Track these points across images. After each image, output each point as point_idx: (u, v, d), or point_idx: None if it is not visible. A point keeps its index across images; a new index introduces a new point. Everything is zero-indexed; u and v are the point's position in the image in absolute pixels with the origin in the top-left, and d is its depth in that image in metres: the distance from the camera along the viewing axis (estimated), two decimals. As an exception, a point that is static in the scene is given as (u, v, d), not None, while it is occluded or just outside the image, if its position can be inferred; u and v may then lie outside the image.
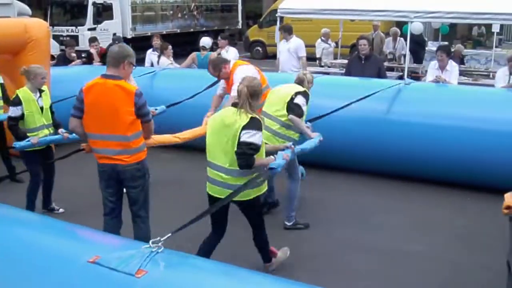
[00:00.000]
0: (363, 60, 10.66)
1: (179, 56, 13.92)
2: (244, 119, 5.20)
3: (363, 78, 10.22)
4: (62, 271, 3.41)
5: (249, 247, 5.90)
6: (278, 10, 16.25)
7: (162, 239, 3.50)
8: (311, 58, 18.89)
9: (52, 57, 12.33)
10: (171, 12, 27.61)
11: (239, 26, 32.92)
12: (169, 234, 3.73)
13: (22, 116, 7.23)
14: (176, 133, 7.24)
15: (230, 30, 29.31)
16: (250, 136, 5.14)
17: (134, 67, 5.62)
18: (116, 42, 13.34)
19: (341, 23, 19.73)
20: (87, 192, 7.91)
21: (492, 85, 10.57)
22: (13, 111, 7.23)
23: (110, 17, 24.10)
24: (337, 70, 16.30)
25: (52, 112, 7.56)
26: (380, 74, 10.70)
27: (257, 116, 5.29)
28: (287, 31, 12.65)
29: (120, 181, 5.67)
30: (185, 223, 3.94)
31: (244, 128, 5.16)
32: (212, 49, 12.80)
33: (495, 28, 20.17)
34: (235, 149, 5.17)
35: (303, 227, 7.14)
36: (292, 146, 6.12)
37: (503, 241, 6.75)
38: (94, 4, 23.49)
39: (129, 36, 24.48)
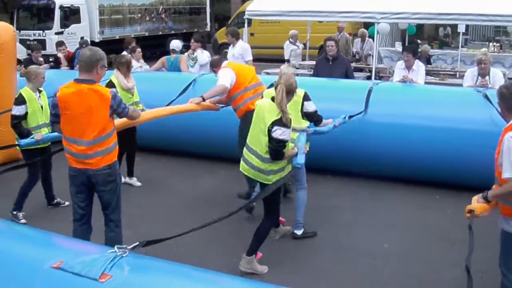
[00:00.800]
0: (331, 61, 10.67)
1: (148, 59, 13.88)
2: (276, 115, 5.73)
3: (331, 78, 10.26)
4: (25, 277, 3.36)
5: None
6: (246, 12, 16.31)
7: (128, 247, 3.47)
8: (280, 60, 18.99)
9: (19, 61, 12.19)
10: (139, 15, 27.44)
11: (208, 28, 32.81)
12: (137, 243, 3.63)
13: (25, 115, 7.43)
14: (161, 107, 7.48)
15: (198, 33, 29.27)
16: (281, 134, 5.72)
17: (105, 69, 5.68)
18: (84, 46, 13.26)
19: (309, 25, 19.85)
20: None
21: (459, 85, 10.69)
22: (18, 110, 7.40)
23: (78, 20, 23.89)
24: (306, 71, 16.37)
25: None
26: (348, 75, 10.74)
27: (287, 113, 5.74)
28: (234, 36, 12.08)
29: (92, 185, 5.66)
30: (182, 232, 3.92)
31: (274, 123, 5.72)
32: (181, 52, 12.74)
33: (461, 29, 20.41)
34: (267, 143, 5.78)
35: (311, 235, 7.09)
36: (308, 129, 6.57)
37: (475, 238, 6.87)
38: (61, 7, 23.27)
39: (97, 40, 24.28)
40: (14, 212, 7.63)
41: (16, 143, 7.52)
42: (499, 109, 4.93)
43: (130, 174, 8.98)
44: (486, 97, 8.17)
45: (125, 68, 8.53)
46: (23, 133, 7.33)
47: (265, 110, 5.90)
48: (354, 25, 25.12)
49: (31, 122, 7.46)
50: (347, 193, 8.38)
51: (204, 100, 7.73)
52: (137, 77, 9.28)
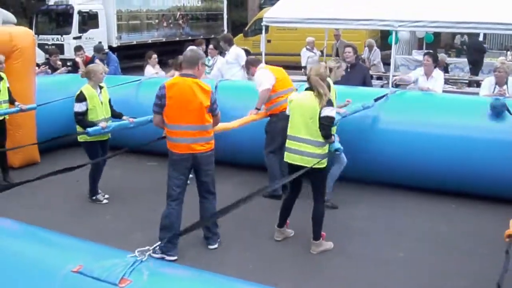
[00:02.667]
0: (349, 68, 10.64)
1: (164, 65, 13.92)
2: (323, 100, 6.35)
3: (348, 86, 10.23)
4: (45, 281, 3.36)
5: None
6: (264, 19, 16.32)
7: (151, 248, 3.48)
8: (297, 67, 19.00)
9: (38, 66, 12.28)
10: (157, 21, 27.57)
11: (222, 34, 32.89)
12: (159, 243, 3.86)
13: (86, 111, 7.96)
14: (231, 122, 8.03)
15: (216, 39, 29.33)
16: (330, 111, 6.37)
17: (205, 67, 6.91)
18: (96, 51, 13.37)
19: (326, 32, 19.81)
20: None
21: (476, 93, 10.64)
22: (79, 107, 7.95)
23: (96, 25, 24.04)
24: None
25: (111, 106, 8.42)
26: (365, 82, 10.72)
27: (330, 97, 6.43)
28: (226, 42, 12.01)
29: (196, 167, 6.55)
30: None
31: (324, 106, 6.32)
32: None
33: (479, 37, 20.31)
34: (318, 123, 6.36)
35: (331, 206, 7.99)
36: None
37: (482, 247, 6.84)
38: (79, 12, 23.44)
39: (114, 45, 24.44)
40: (93, 198, 8.37)
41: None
42: None
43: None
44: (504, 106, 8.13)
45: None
46: (88, 125, 7.87)
47: (306, 101, 6.51)
48: (371, 32, 25.10)
49: (91, 117, 7.96)
50: (361, 201, 8.36)
51: (259, 109, 8.51)
52: (152, 82, 9.37)
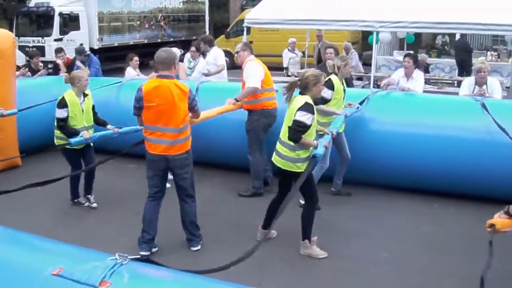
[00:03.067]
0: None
1: (146, 66, 13.86)
2: (301, 102, 6.29)
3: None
4: (25, 284, 3.35)
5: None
6: (245, 21, 16.34)
7: (129, 257, 3.47)
8: (278, 68, 19.03)
9: (18, 68, 12.20)
10: (138, 22, 27.49)
11: (203, 35, 32.82)
12: (141, 253, 3.78)
13: (67, 117, 7.83)
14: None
15: (198, 41, 29.23)
16: (302, 116, 6.25)
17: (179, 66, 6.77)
18: (78, 53, 13.31)
19: (308, 33, 19.87)
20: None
21: (457, 93, 10.70)
22: (60, 113, 7.81)
23: (77, 27, 23.94)
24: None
25: (95, 113, 8.28)
26: (347, 83, 10.74)
27: (311, 102, 6.35)
28: (206, 43, 11.98)
29: (170, 169, 6.54)
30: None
31: (299, 109, 6.25)
32: (181, 60, 12.75)
33: (459, 37, 20.44)
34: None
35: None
36: (334, 132, 7.24)
37: (470, 247, 6.88)
38: (60, 14, 23.33)
39: (96, 47, 24.34)
40: (75, 201, 8.39)
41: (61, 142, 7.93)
42: None
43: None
44: (483, 106, 8.19)
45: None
46: (71, 133, 7.75)
47: (292, 103, 6.48)
48: (353, 33, 25.19)
49: (72, 124, 7.82)
50: (345, 202, 8.38)
51: (237, 101, 8.34)
52: (133, 84, 9.35)
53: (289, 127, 6.34)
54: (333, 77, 7.87)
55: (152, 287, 3.26)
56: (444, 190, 8.47)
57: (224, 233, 7.33)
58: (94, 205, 8.32)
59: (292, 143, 6.37)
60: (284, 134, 6.50)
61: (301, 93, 6.51)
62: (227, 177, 9.54)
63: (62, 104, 7.80)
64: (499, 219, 4.76)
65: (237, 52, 8.78)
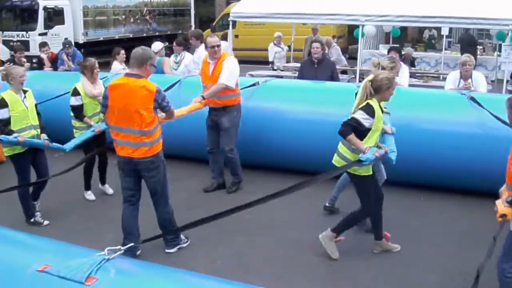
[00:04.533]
0: (316, 64, 10.70)
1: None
2: (365, 103, 6.14)
3: (316, 81, 10.27)
4: (11, 280, 3.33)
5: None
6: (231, 14, 16.28)
7: (122, 248, 3.47)
8: (264, 62, 19.03)
9: (2, 62, 12.12)
10: (123, 16, 27.35)
11: (192, 30, 32.75)
12: (131, 244, 3.81)
13: (9, 119, 7.25)
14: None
15: (183, 35, 29.14)
16: (360, 115, 6.08)
17: (154, 68, 6.27)
18: (67, 46, 13.21)
19: (294, 27, 19.86)
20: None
21: (442, 87, 10.74)
22: (0, 114, 7.26)
23: (61, 22, 23.77)
24: (290, 73, 16.39)
25: (38, 114, 7.61)
26: (333, 77, 10.77)
27: (375, 106, 6.11)
28: (198, 38, 11.41)
29: (137, 172, 6.31)
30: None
31: (360, 109, 6.13)
32: (166, 54, 12.70)
33: (445, 31, 20.52)
34: None
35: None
36: (387, 149, 6.52)
37: (454, 241, 6.92)
38: (45, 8, 23.15)
39: (81, 41, 24.21)
40: (31, 220, 7.59)
41: None
42: (508, 116, 5.00)
43: (103, 181, 8.78)
44: (472, 99, 8.21)
45: (90, 73, 8.15)
46: (6, 132, 7.17)
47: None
48: (339, 27, 25.22)
49: (15, 124, 7.23)
50: (329, 196, 8.38)
51: (204, 98, 8.03)
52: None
53: (343, 122, 6.16)
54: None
55: (138, 282, 3.25)
56: (431, 183, 8.49)
57: (210, 229, 7.29)
58: (46, 223, 7.67)
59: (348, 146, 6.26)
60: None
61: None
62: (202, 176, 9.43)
63: (1, 104, 7.23)
64: (505, 208, 4.69)
65: (218, 46, 8.31)
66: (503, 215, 4.66)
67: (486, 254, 4.21)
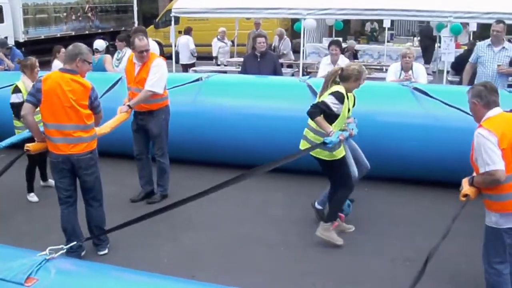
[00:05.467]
0: (259, 58, 10.75)
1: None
2: (335, 89, 6.39)
3: (259, 75, 10.31)
4: None
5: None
6: (173, 10, 16.21)
7: (65, 247, 3.44)
8: (208, 57, 19.01)
9: None
10: (65, 14, 26.93)
11: (135, 26, 32.48)
12: (74, 242, 3.76)
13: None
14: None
15: (126, 31, 28.86)
16: (329, 99, 6.30)
17: (88, 64, 6.07)
18: (2, 46, 12.94)
19: (237, 22, 19.89)
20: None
21: (384, 79, 10.89)
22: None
23: (1, 20, 23.28)
24: (234, 68, 16.41)
25: None
26: (276, 71, 10.83)
27: (342, 91, 6.37)
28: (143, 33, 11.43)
29: (75, 170, 6.11)
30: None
31: (330, 94, 6.35)
32: (108, 51, 12.56)
33: (386, 24, 20.83)
34: None
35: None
36: (352, 132, 6.73)
37: (399, 228, 7.04)
38: (-17, 6, 22.68)
39: (21, 40, 23.74)
40: None
41: None
42: (470, 106, 5.10)
43: (44, 178, 8.71)
44: (416, 89, 8.37)
45: (30, 72, 8.10)
46: None
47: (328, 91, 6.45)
48: (282, 21, 25.31)
49: None
50: (277, 189, 8.41)
51: (131, 108, 7.52)
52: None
53: (311, 105, 6.39)
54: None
55: (79, 281, 3.23)
56: (378, 175, 8.59)
57: (157, 225, 7.26)
58: None
59: (313, 123, 6.45)
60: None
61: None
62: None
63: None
64: (468, 188, 4.84)
65: (147, 51, 7.71)
66: (466, 195, 4.79)
67: (442, 235, 4.27)
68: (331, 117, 6.36)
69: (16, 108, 7.76)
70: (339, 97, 6.31)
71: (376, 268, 6.19)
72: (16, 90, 7.98)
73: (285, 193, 8.25)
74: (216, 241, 6.89)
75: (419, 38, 21.76)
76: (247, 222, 7.38)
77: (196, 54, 17.75)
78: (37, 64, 8.26)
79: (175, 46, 17.15)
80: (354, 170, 7.18)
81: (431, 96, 8.17)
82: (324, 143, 6.10)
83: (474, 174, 4.99)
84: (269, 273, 6.10)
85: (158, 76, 7.67)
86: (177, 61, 17.19)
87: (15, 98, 7.92)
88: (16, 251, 3.75)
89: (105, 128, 6.70)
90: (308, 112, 6.37)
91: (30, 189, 8.44)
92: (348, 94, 6.54)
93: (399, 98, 8.72)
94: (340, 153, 6.54)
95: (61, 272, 3.22)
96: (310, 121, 6.56)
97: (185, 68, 17.32)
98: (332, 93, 6.32)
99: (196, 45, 17.88)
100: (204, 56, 20.75)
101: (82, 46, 6.12)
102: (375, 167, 8.27)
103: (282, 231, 7.10)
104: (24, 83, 8.00)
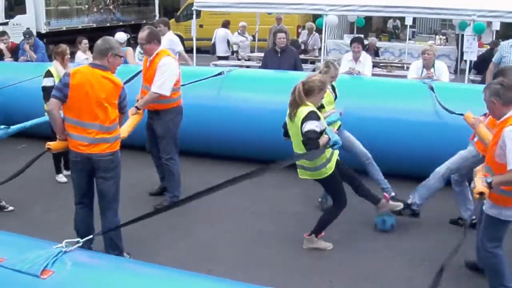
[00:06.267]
0: (279, 53, 10.72)
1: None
2: (303, 113, 6.05)
3: (279, 70, 10.29)
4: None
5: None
6: (194, 4, 16.17)
7: (81, 241, 3.43)
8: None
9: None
10: (87, 6, 26.99)
11: (160, 18, 32.50)
12: (90, 236, 3.74)
13: None
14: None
15: (147, 24, 28.84)
16: (312, 125, 5.99)
17: (120, 58, 5.80)
18: (27, 36, 12.99)
19: (258, 16, 19.85)
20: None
21: (405, 76, 10.82)
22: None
23: (23, 11, 23.33)
24: (255, 63, 16.39)
25: None
26: (296, 67, 10.78)
27: (313, 109, 6.12)
28: (166, 25, 11.54)
29: (93, 171, 5.76)
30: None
31: (303, 121, 6.03)
32: (129, 43, 12.57)
33: (408, 21, 20.67)
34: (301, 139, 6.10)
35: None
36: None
37: (415, 227, 6.99)
38: (5, -3, 22.77)
39: (43, 31, 23.81)
40: None
41: None
42: (487, 105, 5.20)
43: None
44: (431, 89, 8.31)
45: (61, 59, 8.35)
46: None
47: (299, 117, 6.13)
48: (303, 17, 25.24)
49: None
50: (294, 185, 8.38)
51: (139, 109, 7.19)
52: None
53: (303, 142, 6.07)
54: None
55: (94, 274, 3.23)
56: (391, 171, 8.54)
57: (174, 220, 7.25)
58: (10, 208, 7.69)
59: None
60: (297, 148, 6.28)
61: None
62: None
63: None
64: (482, 186, 4.87)
65: (144, 43, 7.45)
66: (482, 193, 4.82)
67: (460, 240, 4.29)
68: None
69: (48, 91, 7.72)
70: (315, 117, 6.07)
71: (393, 267, 6.17)
72: (48, 74, 8.18)
73: (302, 188, 8.19)
74: (233, 235, 6.89)
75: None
76: (264, 216, 7.37)
77: (233, 48, 18.09)
78: (68, 52, 8.44)
79: (212, 39, 17.41)
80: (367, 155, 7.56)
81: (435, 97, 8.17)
82: (334, 145, 6.14)
83: (481, 172, 5.14)
84: (285, 269, 6.09)
85: (166, 77, 7.32)
86: (213, 53, 17.74)
87: (47, 82, 8.08)
88: (33, 241, 3.75)
89: (123, 133, 6.38)
90: (310, 149, 6.01)
91: (58, 170, 8.69)
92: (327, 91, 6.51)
93: (412, 95, 8.74)
94: (328, 170, 6.32)
95: (77, 265, 3.22)
96: (296, 149, 6.35)
97: (221, 59, 17.76)
98: (308, 118, 6.02)
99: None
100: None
101: (112, 40, 5.85)
102: (393, 165, 8.26)
103: (299, 227, 7.04)
104: (57, 68, 8.24)
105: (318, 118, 6.10)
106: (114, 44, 5.75)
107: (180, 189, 7.81)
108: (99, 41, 5.75)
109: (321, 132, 6.11)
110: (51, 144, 5.81)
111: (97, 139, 5.60)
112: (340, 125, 7.44)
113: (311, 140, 5.99)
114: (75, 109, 5.56)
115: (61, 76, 6.09)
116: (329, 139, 6.14)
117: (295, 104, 6.16)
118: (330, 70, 7.32)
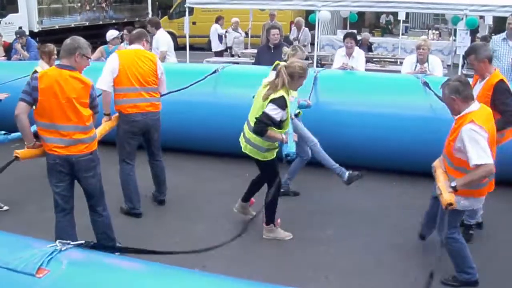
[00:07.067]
0: (273, 49, 10.70)
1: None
2: (277, 94, 6.01)
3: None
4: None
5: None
6: (187, 1, 16.17)
7: (72, 243, 3.42)
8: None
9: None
10: (79, 4, 26.89)
11: (149, 17, 32.44)
12: (82, 241, 3.70)
13: None
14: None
15: (139, 22, 28.71)
16: (272, 110, 5.98)
17: (87, 59, 5.65)
18: (18, 36, 12.97)
19: (251, 13, 19.85)
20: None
21: (399, 71, 10.83)
22: None
23: (15, 10, 23.23)
24: (248, 59, 16.38)
25: None
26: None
27: (285, 96, 6.03)
28: (153, 25, 11.55)
29: (74, 173, 5.68)
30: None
31: (271, 101, 6.00)
32: (122, 41, 12.53)
33: (401, 16, 20.72)
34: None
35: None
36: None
37: (408, 221, 7.00)
38: (-3, -4, 22.69)
39: (36, 30, 23.73)
40: None
41: None
42: (447, 101, 5.36)
43: None
44: (425, 83, 8.32)
45: (47, 58, 8.18)
46: None
47: (264, 92, 6.17)
48: (296, 13, 25.23)
49: None
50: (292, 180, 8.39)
51: (110, 115, 7.08)
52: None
53: (256, 118, 6.06)
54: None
55: (90, 272, 3.21)
56: (387, 166, 8.55)
57: (167, 217, 7.26)
58: (5, 208, 7.67)
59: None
60: (252, 120, 6.22)
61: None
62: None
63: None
64: (449, 195, 5.02)
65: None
66: (451, 204, 4.96)
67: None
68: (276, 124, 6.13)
69: None
70: (282, 104, 6.00)
71: (388, 262, 6.18)
72: (35, 74, 7.97)
73: (297, 185, 8.19)
74: (228, 231, 6.86)
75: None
76: (259, 213, 7.36)
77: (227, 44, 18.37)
78: (55, 51, 8.25)
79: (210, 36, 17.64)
80: (307, 150, 7.59)
81: (430, 89, 8.20)
82: (287, 156, 6.14)
83: (440, 171, 5.41)
84: (280, 265, 6.11)
85: (103, 72, 7.16)
86: (209, 49, 18.19)
87: None
88: (28, 240, 3.74)
89: (101, 131, 6.47)
90: (255, 132, 6.11)
91: None
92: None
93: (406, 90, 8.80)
94: (270, 155, 6.41)
95: (73, 264, 3.20)
96: (251, 119, 6.32)
97: (217, 55, 18.05)
98: (274, 101, 5.99)
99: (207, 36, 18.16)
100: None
101: (82, 40, 5.66)
102: (386, 159, 8.27)
103: (294, 222, 7.06)
104: (43, 68, 7.97)
105: (284, 107, 6.04)
106: (83, 44, 5.61)
107: (133, 200, 7.36)
108: (67, 40, 5.62)
109: (281, 121, 6.10)
110: (18, 153, 5.60)
111: (74, 140, 5.51)
112: (299, 113, 7.50)
113: (262, 124, 6.01)
114: (47, 113, 5.45)
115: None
116: (283, 139, 6.14)
117: (274, 87, 6.09)
118: (297, 53, 7.48)
